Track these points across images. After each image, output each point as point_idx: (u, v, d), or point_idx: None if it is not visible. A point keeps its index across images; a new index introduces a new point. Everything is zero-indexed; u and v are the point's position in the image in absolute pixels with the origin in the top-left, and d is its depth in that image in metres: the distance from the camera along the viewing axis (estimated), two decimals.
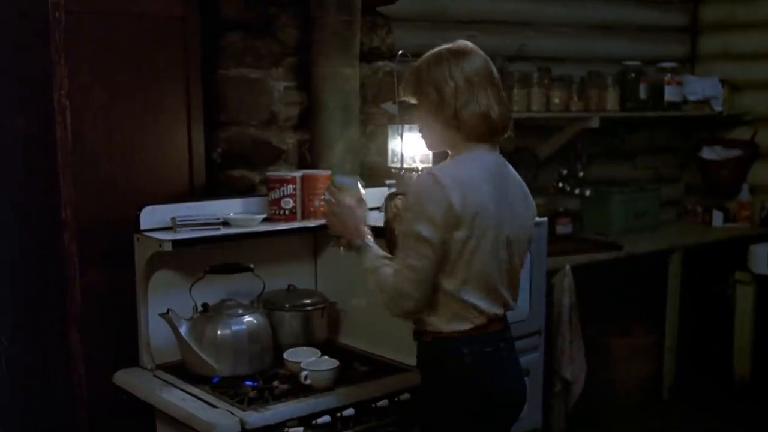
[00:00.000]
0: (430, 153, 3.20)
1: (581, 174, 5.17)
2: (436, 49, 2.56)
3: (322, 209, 2.94)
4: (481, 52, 2.56)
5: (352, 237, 2.66)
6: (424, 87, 2.52)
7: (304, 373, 2.87)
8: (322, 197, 2.86)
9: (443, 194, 2.40)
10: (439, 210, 2.40)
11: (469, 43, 2.58)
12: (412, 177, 2.99)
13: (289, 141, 3.83)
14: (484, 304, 2.51)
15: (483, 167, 2.51)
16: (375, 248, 2.62)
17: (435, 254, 2.43)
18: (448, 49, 2.54)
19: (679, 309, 5.14)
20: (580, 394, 4.48)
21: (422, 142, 2.69)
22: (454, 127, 2.51)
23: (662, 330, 5.12)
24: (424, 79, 2.52)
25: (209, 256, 3.12)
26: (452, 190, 2.40)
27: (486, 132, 2.52)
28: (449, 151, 2.60)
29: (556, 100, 4.82)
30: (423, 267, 2.43)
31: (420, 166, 3.20)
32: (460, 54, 2.52)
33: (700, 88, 5.53)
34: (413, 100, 2.60)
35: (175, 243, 2.93)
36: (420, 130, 2.64)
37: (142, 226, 3.06)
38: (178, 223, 3.04)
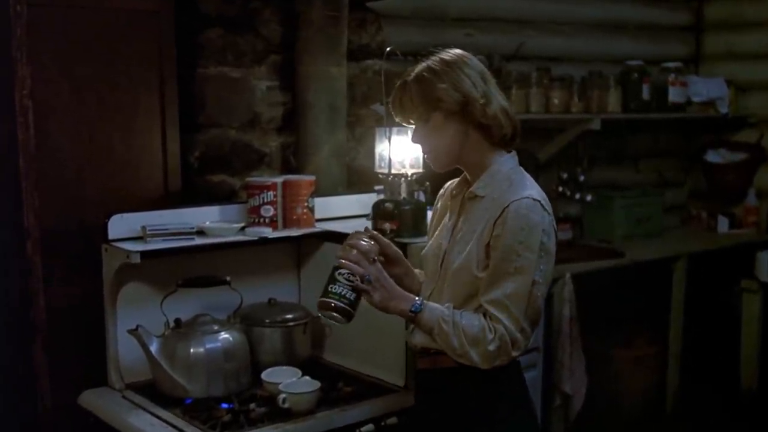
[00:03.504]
0: (420, 159, 3.01)
1: (582, 178, 5.06)
2: (434, 58, 2.33)
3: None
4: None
5: (400, 304, 2.29)
6: (438, 90, 2.28)
7: (282, 396, 2.69)
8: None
9: (552, 225, 2.28)
10: (551, 243, 2.27)
11: (457, 49, 2.39)
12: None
13: (272, 144, 3.70)
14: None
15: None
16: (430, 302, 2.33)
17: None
18: (449, 54, 2.34)
19: (683, 318, 5.03)
20: (581, 408, 4.37)
21: (431, 161, 2.42)
22: (484, 129, 2.31)
23: (666, 340, 5.02)
24: (437, 83, 2.28)
25: (183, 267, 2.94)
26: (553, 219, 2.29)
27: (511, 132, 2.35)
28: (470, 165, 2.38)
29: (556, 101, 4.71)
30: (549, 273, 2.27)
31: (409, 171, 3.00)
32: (464, 56, 2.34)
33: (705, 88, 5.43)
34: (415, 117, 2.36)
35: (144, 254, 2.75)
36: (430, 145, 2.38)
37: (111, 236, 2.88)
38: (148, 232, 2.87)
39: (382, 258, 2.42)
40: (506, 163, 2.36)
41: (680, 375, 5.07)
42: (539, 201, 2.25)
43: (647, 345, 4.98)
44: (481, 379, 2.29)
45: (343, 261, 2.28)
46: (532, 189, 2.30)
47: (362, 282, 2.24)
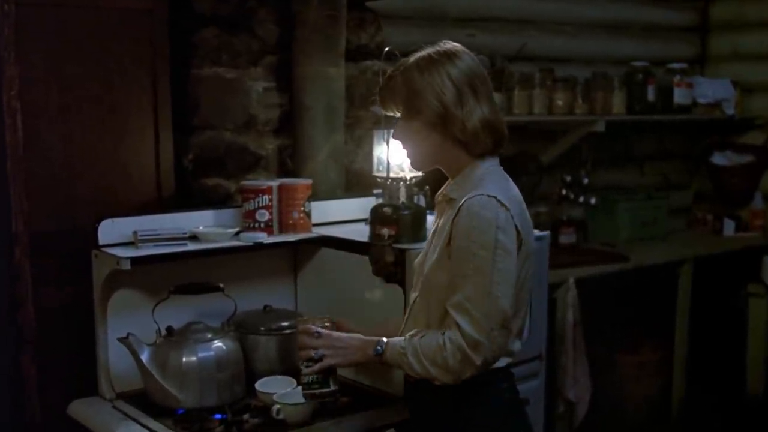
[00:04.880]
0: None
1: (586, 181, 5.01)
2: (422, 53, 2.28)
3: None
4: (469, 52, 2.31)
5: (365, 351, 2.33)
6: (419, 97, 2.23)
7: (276, 407, 2.61)
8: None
9: (511, 221, 2.18)
10: (509, 240, 2.17)
11: (456, 43, 2.31)
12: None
13: (268, 146, 3.60)
14: (518, 343, 2.33)
15: (513, 184, 2.31)
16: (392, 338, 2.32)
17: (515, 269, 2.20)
18: (437, 52, 2.26)
19: (689, 323, 5.00)
20: (585, 415, 4.34)
21: (410, 160, 2.42)
22: (460, 142, 2.25)
23: (671, 345, 4.99)
24: (419, 88, 2.23)
25: (175, 274, 2.87)
26: (515, 216, 2.20)
27: (492, 145, 2.29)
28: (448, 170, 2.34)
29: (560, 103, 4.65)
30: (509, 272, 2.17)
31: (408, 175, 2.93)
32: (453, 55, 2.26)
33: (711, 90, 5.39)
34: (399, 113, 2.33)
35: (135, 260, 2.68)
36: (409, 147, 2.36)
37: (101, 241, 2.81)
38: (140, 237, 2.79)
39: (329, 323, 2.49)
40: (483, 164, 2.30)
41: (686, 380, 5.03)
42: (494, 197, 2.17)
43: (652, 350, 4.95)
44: (468, 390, 2.25)
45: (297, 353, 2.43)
46: (492, 186, 2.22)
47: (315, 362, 2.36)
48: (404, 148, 2.38)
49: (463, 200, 2.19)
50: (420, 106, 2.23)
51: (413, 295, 2.40)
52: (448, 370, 2.16)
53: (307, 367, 2.38)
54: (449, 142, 2.27)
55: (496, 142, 2.29)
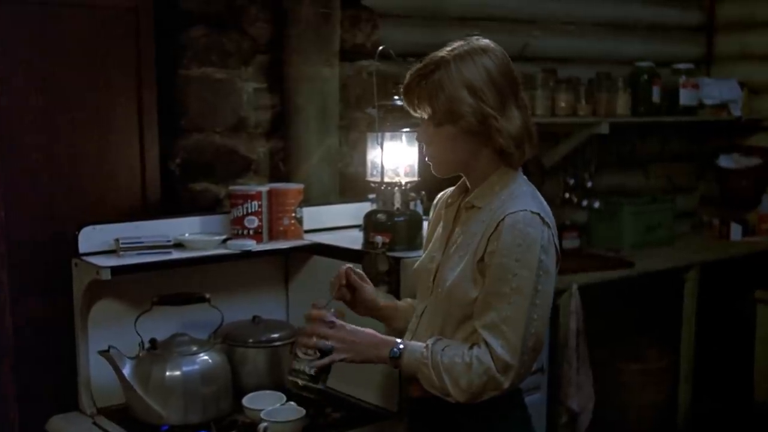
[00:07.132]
0: (415, 167, 2.83)
1: (589, 184, 4.95)
2: (455, 50, 2.11)
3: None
4: (501, 48, 2.16)
5: (378, 351, 2.17)
6: (458, 101, 2.07)
7: (263, 425, 2.52)
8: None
9: (552, 240, 2.10)
10: (550, 260, 2.09)
11: (486, 39, 2.16)
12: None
13: (259, 150, 3.54)
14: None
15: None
16: (410, 342, 2.18)
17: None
18: (472, 48, 2.11)
19: (695, 330, 4.91)
20: (588, 425, 4.25)
21: (433, 165, 2.23)
22: (501, 151, 2.13)
23: (677, 352, 4.91)
24: (457, 91, 2.07)
25: (159, 283, 2.78)
26: (554, 234, 2.12)
27: (531, 155, 2.18)
28: (473, 176, 2.21)
29: (562, 104, 4.60)
30: (548, 294, 2.10)
31: (403, 180, 2.82)
32: (489, 52, 2.12)
33: (718, 91, 5.33)
34: (426, 114, 2.15)
35: (116, 270, 2.59)
36: (437, 152, 2.19)
37: (82, 249, 2.72)
38: (121, 245, 2.71)
39: (348, 296, 2.34)
40: (512, 172, 2.18)
41: (692, 388, 4.96)
42: (538, 213, 2.07)
43: (658, 358, 4.87)
44: (478, 406, 2.12)
45: (299, 338, 2.22)
46: (532, 201, 2.12)
47: (323, 354, 2.15)
48: (430, 152, 2.21)
49: (504, 215, 2.07)
50: (459, 111, 2.08)
51: (421, 305, 2.29)
52: (470, 389, 2.05)
53: (305, 354, 2.16)
54: (488, 149, 2.14)
55: (534, 149, 2.19)
